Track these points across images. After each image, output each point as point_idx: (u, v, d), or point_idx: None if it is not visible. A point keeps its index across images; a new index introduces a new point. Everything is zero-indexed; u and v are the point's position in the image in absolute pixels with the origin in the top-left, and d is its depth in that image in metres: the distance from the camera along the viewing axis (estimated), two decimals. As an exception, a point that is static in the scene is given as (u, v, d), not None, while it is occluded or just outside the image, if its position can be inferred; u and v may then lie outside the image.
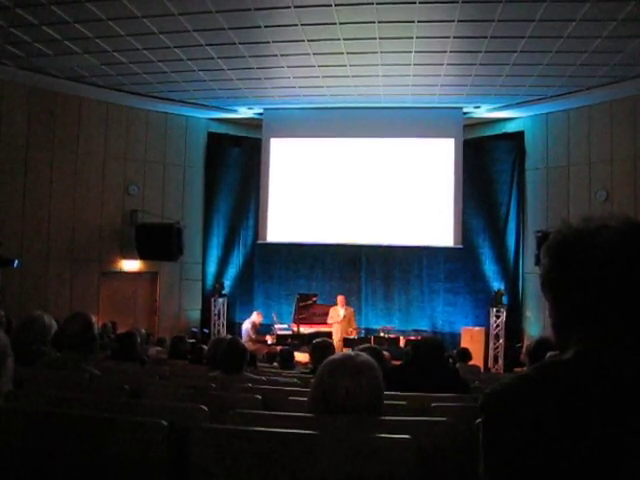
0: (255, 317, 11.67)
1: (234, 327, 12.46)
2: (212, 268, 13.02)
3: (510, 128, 12.21)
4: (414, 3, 7.54)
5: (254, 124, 12.86)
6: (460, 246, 12.16)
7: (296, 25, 8.29)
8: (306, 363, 7.87)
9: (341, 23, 8.18)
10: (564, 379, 1.01)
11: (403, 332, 11.57)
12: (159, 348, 8.12)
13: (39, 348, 3.85)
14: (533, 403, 1.00)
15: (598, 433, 0.95)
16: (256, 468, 1.68)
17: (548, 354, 3.46)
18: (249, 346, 5.54)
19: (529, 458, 0.97)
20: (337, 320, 11.02)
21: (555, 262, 1.12)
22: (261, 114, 12.58)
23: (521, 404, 1.01)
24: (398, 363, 5.15)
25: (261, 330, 11.75)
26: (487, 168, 12.43)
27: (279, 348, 8.88)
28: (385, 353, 7.66)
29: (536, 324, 11.35)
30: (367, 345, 5.63)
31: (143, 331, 8.31)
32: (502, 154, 12.29)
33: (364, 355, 1.96)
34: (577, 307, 1.08)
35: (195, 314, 12.79)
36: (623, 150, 10.40)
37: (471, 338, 11.38)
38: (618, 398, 0.97)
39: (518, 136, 12.11)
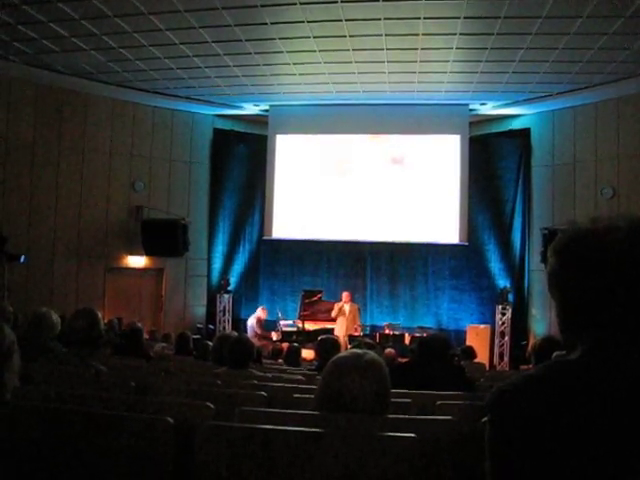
0: (260, 312, 11.70)
1: (239, 323, 12.45)
2: (217, 264, 13.02)
3: (516, 125, 12.16)
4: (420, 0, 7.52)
5: (260, 120, 12.85)
6: (465, 243, 12.12)
7: (302, 22, 8.28)
8: (311, 360, 7.87)
9: (347, 20, 8.17)
10: (571, 379, 1.01)
11: (408, 329, 11.55)
12: (164, 344, 8.13)
13: (46, 344, 3.88)
14: (540, 403, 1.00)
15: (605, 433, 0.95)
16: (262, 465, 1.68)
17: (555, 353, 3.45)
18: (254, 342, 5.55)
19: (535, 458, 0.97)
20: (342, 314, 11.07)
21: (562, 262, 1.11)
22: (267, 110, 12.57)
23: (528, 404, 1.01)
24: (404, 360, 5.15)
25: (266, 326, 11.76)
26: (493, 165, 12.38)
27: (284, 345, 8.87)
28: (390, 350, 7.71)
29: (542, 322, 11.32)
30: (365, 340, 5.62)
31: (139, 324, 8.25)
32: (508, 151, 12.23)
33: (371, 353, 1.95)
34: (584, 307, 1.08)
35: (200, 310, 12.81)
36: (630, 147, 10.34)
37: (476, 335, 11.37)
38: (625, 398, 0.97)
39: (524, 133, 12.04)
